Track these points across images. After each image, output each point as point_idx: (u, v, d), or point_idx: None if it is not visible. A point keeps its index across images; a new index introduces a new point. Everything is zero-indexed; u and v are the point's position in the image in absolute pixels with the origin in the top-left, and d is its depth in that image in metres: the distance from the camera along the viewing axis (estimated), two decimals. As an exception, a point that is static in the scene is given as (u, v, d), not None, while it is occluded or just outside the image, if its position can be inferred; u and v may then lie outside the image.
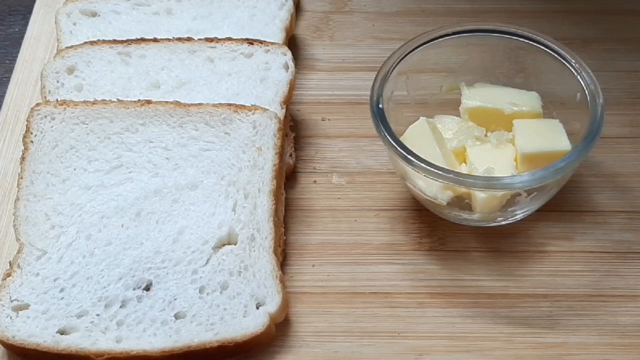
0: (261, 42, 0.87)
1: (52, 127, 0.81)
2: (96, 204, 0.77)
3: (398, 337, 0.73)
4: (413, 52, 0.79)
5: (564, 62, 0.78)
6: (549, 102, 0.80)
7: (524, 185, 0.72)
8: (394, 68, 0.78)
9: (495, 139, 0.78)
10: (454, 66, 0.82)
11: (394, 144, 0.74)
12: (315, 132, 0.86)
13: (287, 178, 0.82)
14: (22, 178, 0.79)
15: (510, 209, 0.76)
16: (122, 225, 0.76)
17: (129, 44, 0.87)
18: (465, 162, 0.77)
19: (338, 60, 0.92)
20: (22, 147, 0.81)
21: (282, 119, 0.81)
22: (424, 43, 0.80)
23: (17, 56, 0.93)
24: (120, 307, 0.73)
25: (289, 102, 0.84)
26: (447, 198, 0.76)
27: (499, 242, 0.78)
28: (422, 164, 0.72)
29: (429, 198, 0.76)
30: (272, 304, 0.72)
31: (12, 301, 0.73)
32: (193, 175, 0.78)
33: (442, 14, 0.94)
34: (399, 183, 0.81)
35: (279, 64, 0.85)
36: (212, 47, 0.86)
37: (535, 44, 0.80)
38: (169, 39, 0.87)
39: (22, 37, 0.95)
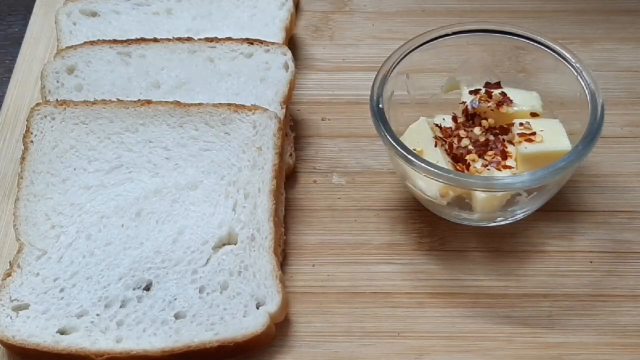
0: (261, 42, 0.87)
1: (52, 127, 0.81)
2: (96, 203, 0.77)
3: (398, 337, 0.73)
4: (413, 52, 0.79)
5: (564, 62, 0.78)
6: (549, 102, 0.80)
7: (524, 185, 0.72)
8: (394, 68, 0.78)
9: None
10: (454, 66, 0.82)
11: (394, 143, 0.74)
12: (315, 132, 0.86)
13: (287, 178, 0.82)
14: (22, 178, 0.79)
15: (510, 209, 0.76)
16: (122, 225, 0.76)
17: (129, 44, 0.87)
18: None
19: (338, 60, 0.92)
20: (22, 147, 0.81)
21: (282, 118, 0.81)
22: (424, 43, 0.80)
23: (17, 56, 0.93)
24: (120, 307, 0.73)
25: (289, 102, 0.84)
26: (447, 198, 0.76)
27: (499, 242, 0.78)
28: (422, 164, 0.72)
29: (429, 198, 0.76)
30: (272, 304, 0.72)
31: (12, 301, 0.73)
32: (193, 175, 0.78)
33: (442, 14, 0.94)
34: (399, 183, 0.81)
35: (279, 64, 0.85)
36: (212, 47, 0.86)
37: (535, 44, 0.80)
38: (168, 39, 0.87)
39: (22, 37, 0.95)
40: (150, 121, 0.81)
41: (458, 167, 0.76)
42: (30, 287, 0.74)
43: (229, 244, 0.76)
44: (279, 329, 0.73)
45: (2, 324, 0.72)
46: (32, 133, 0.81)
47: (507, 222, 0.78)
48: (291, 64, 0.85)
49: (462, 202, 0.76)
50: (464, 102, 0.80)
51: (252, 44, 0.86)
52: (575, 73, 0.78)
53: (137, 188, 0.78)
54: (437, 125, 0.79)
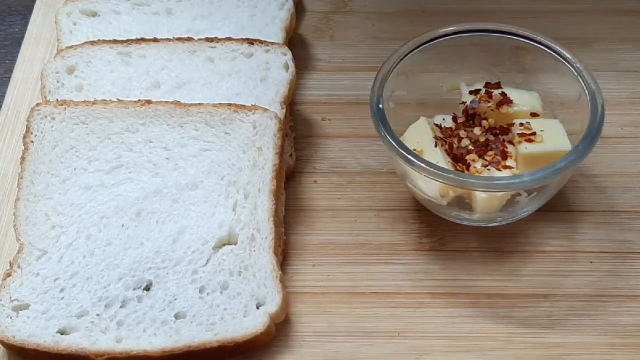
0: (261, 42, 0.87)
1: (52, 127, 0.81)
2: (96, 204, 0.77)
3: (398, 337, 0.73)
4: (413, 52, 0.79)
5: (564, 62, 0.78)
6: (549, 102, 0.80)
7: (524, 185, 0.72)
8: (394, 68, 0.78)
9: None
10: (454, 66, 0.82)
11: (394, 144, 0.74)
12: (316, 132, 0.86)
13: (287, 178, 0.82)
14: (22, 178, 0.79)
15: (510, 209, 0.76)
16: (122, 225, 0.76)
17: (129, 44, 0.87)
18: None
19: (338, 60, 0.92)
20: (22, 147, 0.81)
21: (282, 118, 0.81)
22: (424, 43, 0.80)
23: (17, 56, 0.93)
24: (121, 307, 0.73)
25: (289, 102, 0.84)
26: (447, 198, 0.76)
27: (499, 242, 0.78)
28: (422, 164, 0.72)
29: (429, 198, 0.76)
30: (272, 304, 0.72)
31: (12, 301, 0.73)
32: (193, 175, 0.78)
33: (442, 14, 0.94)
34: (399, 183, 0.81)
35: (279, 64, 0.85)
36: (212, 47, 0.86)
37: (535, 44, 0.80)
38: (169, 39, 0.87)
39: (22, 37, 0.95)
40: (150, 121, 0.81)
41: (458, 167, 0.76)
42: (30, 287, 0.74)
43: (229, 244, 0.76)
44: (279, 329, 0.73)
45: (2, 324, 0.72)
46: (32, 133, 0.81)
47: (507, 222, 0.78)
48: (291, 64, 0.85)
49: (462, 202, 0.76)
50: (464, 102, 0.80)
51: (252, 44, 0.86)
52: (576, 73, 0.78)
53: (137, 188, 0.78)
54: (437, 125, 0.79)
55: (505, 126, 0.79)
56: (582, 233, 0.78)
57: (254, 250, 0.75)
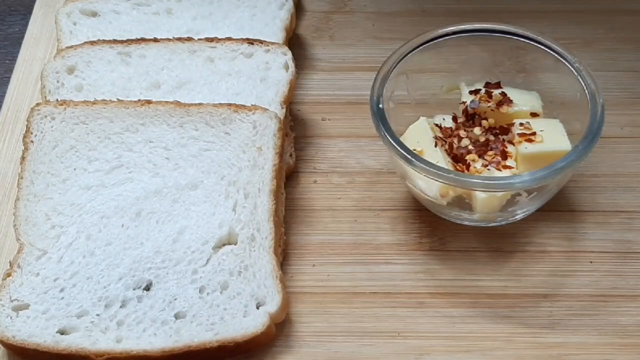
0: (261, 42, 0.87)
1: (52, 127, 0.81)
2: (96, 204, 0.77)
3: (398, 337, 0.73)
4: (413, 52, 0.79)
5: (564, 62, 0.78)
6: (549, 102, 0.80)
7: (524, 185, 0.72)
8: (394, 68, 0.78)
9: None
10: (454, 66, 0.82)
11: (394, 143, 0.74)
12: (316, 132, 0.86)
13: (287, 178, 0.82)
14: (22, 178, 0.79)
15: (510, 209, 0.76)
16: (122, 225, 0.76)
17: (129, 44, 0.87)
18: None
19: (338, 60, 0.92)
20: (22, 147, 0.81)
21: (282, 118, 0.81)
22: (424, 43, 0.80)
23: (17, 56, 0.93)
24: (121, 307, 0.73)
25: (289, 102, 0.84)
26: (447, 198, 0.76)
27: (499, 242, 0.78)
28: (422, 164, 0.72)
29: (429, 198, 0.76)
30: (272, 304, 0.72)
31: (12, 301, 0.73)
32: (193, 175, 0.78)
33: (442, 14, 0.94)
34: (399, 183, 0.81)
35: (279, 64, 0.85)
36: (212, 47, 0.86)
37: (535, 44, 0.80)
38: (169, 39, 0.87)
39: (22, 37, 0.95)
40: (150, 121, 0.81)
41: (458, 167, 0.76)
42: (30, 287, 0.74)
43: (229, 244, 0.76)
44: (279, 329, 0.73)
45: (2, 324, 0.72)
46: (32, 133, 0.81)
47: (507, 222, 0.78)
48: (291, 64, 0.85)
49: (462, 202, 0.76)
50: (464, 102, 0.80)
51: (252, 44, 0.86)
52: (576, 73, 0.78)
53: (138, 188, 0.78)
54: (437, 125, 0.79)
55: (505, 126, 0.79)
56: (582, 233, 0.78)
57: (254, 250, 0.75)
